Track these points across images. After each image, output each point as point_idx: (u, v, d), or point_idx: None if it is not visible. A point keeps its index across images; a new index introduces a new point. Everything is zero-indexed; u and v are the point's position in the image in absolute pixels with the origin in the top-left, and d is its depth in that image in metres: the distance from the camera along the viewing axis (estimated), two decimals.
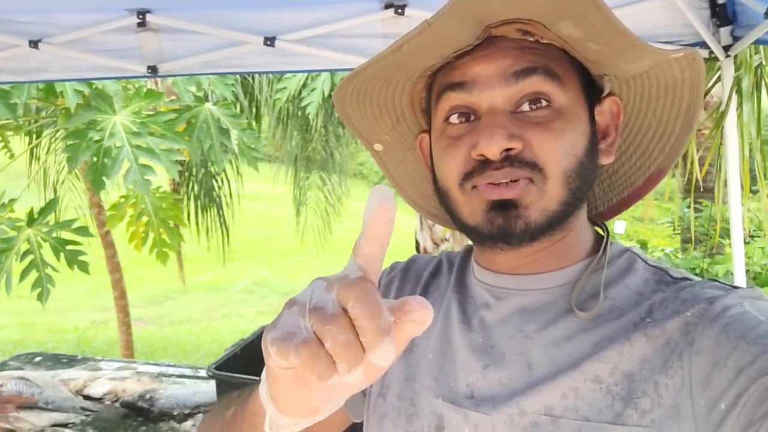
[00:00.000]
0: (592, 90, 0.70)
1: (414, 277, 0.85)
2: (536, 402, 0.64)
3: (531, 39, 0.66)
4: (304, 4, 2.02)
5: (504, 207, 0.64)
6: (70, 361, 2.74)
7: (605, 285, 0.69)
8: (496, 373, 0.68)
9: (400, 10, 1.95)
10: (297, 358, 0.41)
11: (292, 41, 2.06)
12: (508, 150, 0.63)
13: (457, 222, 0.71)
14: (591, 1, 0.58)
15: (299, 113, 5.43)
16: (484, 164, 0.64)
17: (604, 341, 0.64)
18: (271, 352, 0.42)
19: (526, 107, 0.65)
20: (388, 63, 0.66)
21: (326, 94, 3.77)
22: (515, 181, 0.64)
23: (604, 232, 0.75)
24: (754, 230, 5.19)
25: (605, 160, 0.72)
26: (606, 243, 0.72)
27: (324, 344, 0.41)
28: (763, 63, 2.29)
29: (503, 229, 0.65)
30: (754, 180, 2.59)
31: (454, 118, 0.68)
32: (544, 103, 0.65)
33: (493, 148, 0.63)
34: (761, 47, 2.34)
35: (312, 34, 2.04)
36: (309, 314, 0.42)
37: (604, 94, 0.72)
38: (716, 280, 0.67)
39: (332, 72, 3.75)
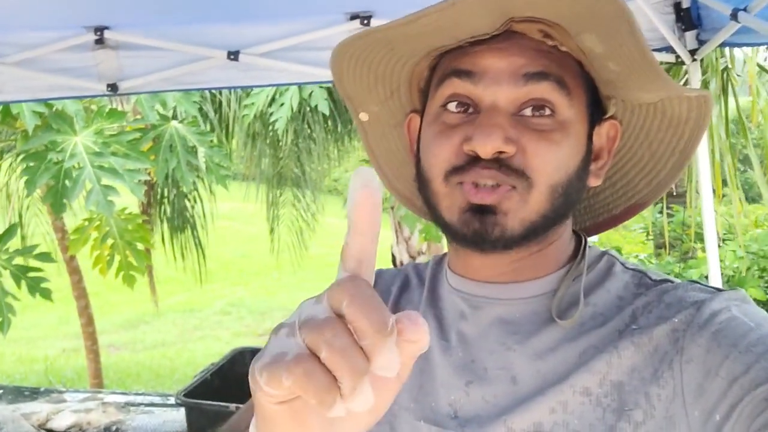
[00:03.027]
0: (596, 109, 0.68)
1: (383, 293, 0.80)
2: (524, 419, 0.61)
3: (550, 43, 0.63)
4: (268, 17, 1.99)
5: (482, 211, 0.62)
6: (33, 394, 2.62)
7: (586, 291, 0.67)
8: (480, 389, 0.65)
9: (366, 22, 1.93)
10: (289, 377, 0.35)
11: (256, 55, 2.01)
12: (500, 153, 0.61)
13: (433, 213, 0.68)
14: (625, 20, 0.55)
15: (269, 129, 5.37)
16: (473, 161, 0.62)
17: (590, 350, 0.63)
18: (260, 382, 0.37)
19: (528, 112, 0.63)
20: (396, 34, 0.63)
21: (295, 108, 3.73)
22: (498, 186, 0.61)
23: (582, 238, 0.72)
24: (725, 233, 5.25)
25: (593, 183, 0.70)
26: (584, 249, 0.70)
27: (319, 355, 0.35)
28: (729, 66, 2.31)
29: (478, 233, 0.62)
30: (724, 183, 2.60)
31: (452, 106, 0.65)
32: (547, 111, 0.63)
33: (486, 148, 0.60)
34: (726, 51, 2.36)
35: (277, 47, 2.00)
36: (299, 330, 0.36)
37: (607, 116, 0.70)
38: (697, 282, 0.65)
39: (300, 86, 3.71)
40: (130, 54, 2.07)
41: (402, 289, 0.80)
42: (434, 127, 0.66)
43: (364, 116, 0.78)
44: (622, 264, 0.70)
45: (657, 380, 0.59)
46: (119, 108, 3.36)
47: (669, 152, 0.71)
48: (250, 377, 0.38)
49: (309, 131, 5.76)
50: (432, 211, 0.68)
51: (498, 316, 0.68)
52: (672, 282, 0.66)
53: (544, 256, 0.68)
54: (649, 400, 0.59)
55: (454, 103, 0.65)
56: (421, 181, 0.68)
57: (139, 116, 3.37)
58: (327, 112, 3.85)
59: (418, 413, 0.67)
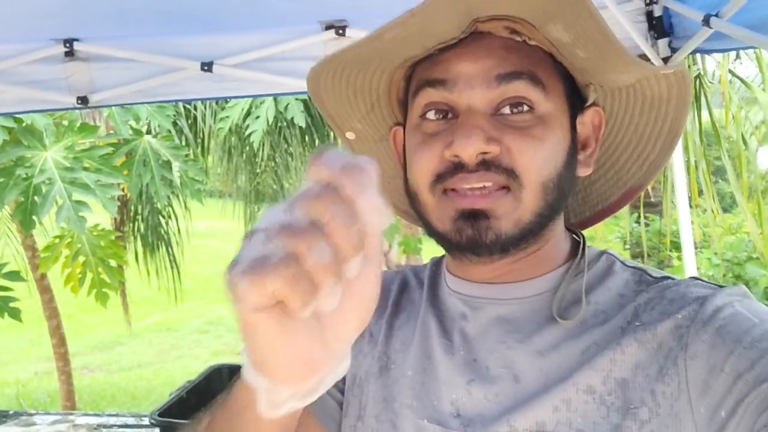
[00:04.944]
0: (575, 98, 0.68)
1: (382, 292, 0.79)
2: (527, 418, 0.61)
3: (518, 39, 0.63)
4: (242, 28, 1.96)
5: (474, 216, 0.61)
6: (1, 417, 2.53)
7: (586, 289, 0.66)
8: (481, 388, 0.64)
9: (341, 31, 1.91)
10: (278, 280, 0.35)
11: (230, 66, 1.99)
12: (484, 153, 0.60)
13: (425, 226, 0.68)
14: (583, 5, 0.56)
15: (245, 143, 5.32)
16: (457, 167, 0.61)
17: (593, 348, 0.62)
18: (239, 289, 0.36)
19: (506, 110, 0.62)
20: (367, 50, 0.63)
21: (270, 121, 3.70)
22: (489, 188, 0.61)
23: (579, 237, 0.72)
24: (699, 241, 5.32)
25: (583, 172, 0.69)
26: (583, 247, 0.69)
27: (303, 262, 0.36)
28: (701, 73, 2.34)
29: (472, 240, 0.61)
30: (700, 192, 2.63)
31: (430, 114, 0.65)
32: (525, 108, 0.62)
33: (468, 150, 0.59)
34: (699, 59, 2.39)
35: (251, 57, 1.98)
36: (277, 235, 0.36)
37: (588, 104, 0.69)
38: (699, 278, 0.65)
39: (275, 98, 3.68)
40: (102, 66, 2.03)
41: (401, 289, 0.79)
42: (415, 138, 0.66)
43: (350, 135, 0.78)
44: (622, 262, 0.70)
45: (662, 377, 0.58)
46: (91, 123, 3.30)
47: (656, 133, 0.71)
48: (226, 286, 0.37)
49: (286, 146, 5.74)
50: (424, 223, 0.68)
51: (498, 316, 0.67)
52: (673, 279, 0.65)
53: (541, 256, 0.68)
54: (654, 397, 0.58)
55: (432, 111, 0.65)
56: (410, 195, 0.68)
57: (111, 131, 3.31)
58: (303, 125, 3.83)
59: (421, 412, 0.66)
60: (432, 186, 0.63)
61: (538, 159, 0.61)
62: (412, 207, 0.69)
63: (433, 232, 0.66)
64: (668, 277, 0.66)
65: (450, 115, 0.64)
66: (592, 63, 0.63)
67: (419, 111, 0.66)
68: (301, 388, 0.42)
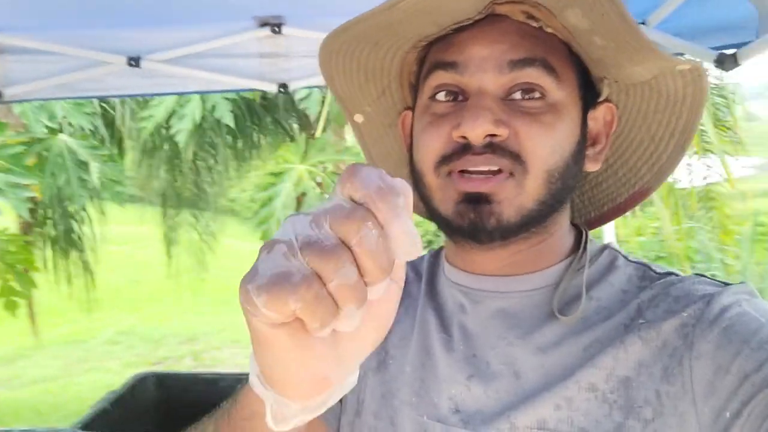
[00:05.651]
0: (588, 93, 0.67)
1: None
2: (528, 415, 0.60)
3: (535, 24, 0.63)
4: (173, 22, 1.89)
5: (477, 201, 0.60)
6: None
7: (588, 285, 0.65)
8: (481, 384, 0.64)
9: (276, 29, 1.88)
10: (299, 301, 0.34)
11: (160, 61, 1.91)
12: (492, 136, 0.60)
13: (428, 209, 0.66)
14: None
15: (166, 145, 5.13)
16: (464, 148, 0.61)
17: (596, 345, 0.61)
18: (258, 304, 0.35)
19: (517, 95, 0.62)
20: (379, 23, 0.61)
21: (197, 121, 3.58)
22: (494, 172, 0.60)
23: (583, 232, 0.71)
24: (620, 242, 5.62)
25: (591, 167, 0.69)
26: (585, 241, 0.69)
27: (327, 283, 0.35)
28: None
29: (473, 224, 0.61)
30: None
31: (440, 96, 0.64)
32: (537, 94, 0.62)
33: (476, 131, 0.59)
34: None
35: (182, 53, 1.91)
36: (301, 251, 0.35)
37: (601, 99, 0.69)
38: (703, 275, 0.65)
39: (203, 96, 3.57)
40: (17, 58, 1.92)
41: None
42: (424, 119, 0.65)
43: (359, 118, 0.77)
44: (625, 257, 0.69)
45: (667, 377, 0.57)
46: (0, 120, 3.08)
47: (669, 134, 0.70)
48: (241, 299, 0.36)
49: (209, 148, 5.58)
50: (427, 206, 0.67)
51: (498, 309, 0.66)
52: (677, 275, 0.65)
53: (544, 248, 0.67)
54: (659, 397, 0.57)
55: (443, 93, 0.64)
56: (415, 177, 0.67)
57: (21, 129, 3.11)
58: (232, 124, 3.73)
59: (421, 408, 0.65)
60: (437, 167, 0.63)
61: (545, 146, 0.61)
62: (416, 190, 0.67)
63: (435, 216, 0.65)
64: (672, 273, 0.65)
65: (460, 98, 0.63)
66: (608, 53, 0.62)
67: (429, 92, 0.65)
68: (310, 403, 0.41)
